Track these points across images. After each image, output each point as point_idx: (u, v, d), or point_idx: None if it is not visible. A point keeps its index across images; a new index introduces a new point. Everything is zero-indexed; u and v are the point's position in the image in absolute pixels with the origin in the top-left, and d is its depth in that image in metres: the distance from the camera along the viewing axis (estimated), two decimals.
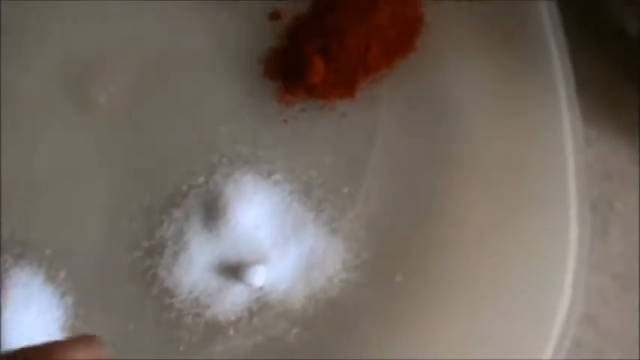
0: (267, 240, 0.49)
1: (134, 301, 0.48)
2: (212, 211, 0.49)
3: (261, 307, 0.48)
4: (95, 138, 0.52)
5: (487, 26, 0.52)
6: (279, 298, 0.48)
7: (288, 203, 0.49)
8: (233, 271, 0.48)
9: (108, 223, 0.50)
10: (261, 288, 0.48)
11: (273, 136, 0.51)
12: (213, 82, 0.53)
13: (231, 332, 0.47)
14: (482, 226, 0.48)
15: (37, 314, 0.48)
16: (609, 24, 0.52)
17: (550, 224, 0.48)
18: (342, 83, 0.51)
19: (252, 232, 0.48)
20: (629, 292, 0.48)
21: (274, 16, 0.54)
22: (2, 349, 0.45)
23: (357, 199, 0.50)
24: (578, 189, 0.49)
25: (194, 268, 0.48)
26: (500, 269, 0.48)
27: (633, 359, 0.47)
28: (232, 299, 0.48)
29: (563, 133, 0.50)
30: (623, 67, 0.52)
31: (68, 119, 0.53)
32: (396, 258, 0.48)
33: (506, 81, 0.51)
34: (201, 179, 0.50)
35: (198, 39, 0.54)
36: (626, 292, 0.48)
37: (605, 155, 0.51)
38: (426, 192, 0.50)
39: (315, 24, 0.52)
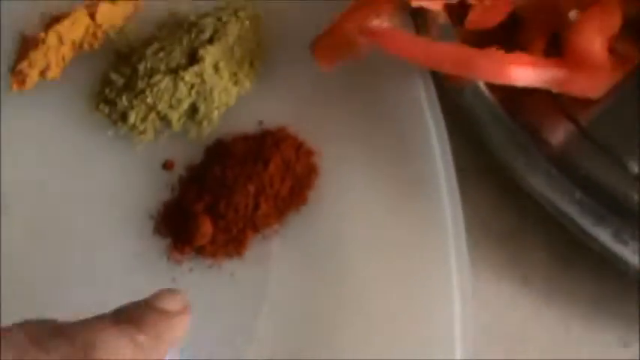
0: None
1: None
2: None
3: None
4: None
5: (382, 176, 0.51)
6: None
7: None
8: None
9: None
10: None
11: None
12: (105, 237, 0.51)
13: None
14: None
15: None
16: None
17: None
18: (231, 242, 0.50)
19: None
20: None
21: (167, 165, 0.53)
22: None
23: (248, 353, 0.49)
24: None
25: None
26: None
27: None
28: None
29: (452, 282, 0.48)
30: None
31: None
32: None
33: (399, 229, 0.50)
34: None
35: (93, 186, 0.53)
36: None
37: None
38: (319, 348, 0.48)
39: (204, 179, 0.51)
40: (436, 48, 0.50)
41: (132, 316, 0.37)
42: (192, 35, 0.54)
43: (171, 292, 0.39)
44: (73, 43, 0.56)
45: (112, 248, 0.51)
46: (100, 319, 0.36)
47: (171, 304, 0.38)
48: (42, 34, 0.55)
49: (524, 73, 0.51)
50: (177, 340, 0.38)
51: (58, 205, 0.53)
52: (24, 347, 0.33)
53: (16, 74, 0.55)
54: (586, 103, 0.52)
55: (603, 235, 0.47)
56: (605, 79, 0.52)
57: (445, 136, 0.50)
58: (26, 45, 0.56)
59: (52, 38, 0.55)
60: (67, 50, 0.56)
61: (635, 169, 0.51)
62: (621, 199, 0.49)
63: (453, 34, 0.53)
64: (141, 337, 0.36)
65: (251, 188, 0.49)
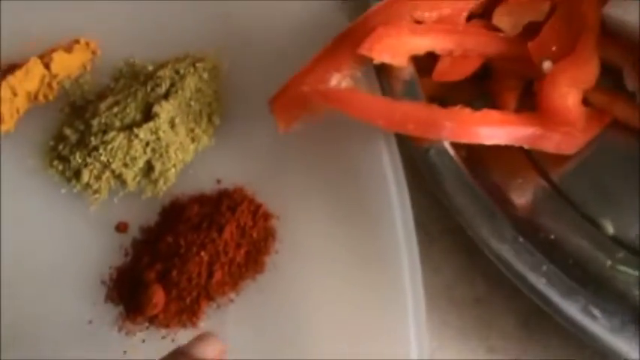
0: None
1: None
2: None
3: None
4: None
5: (341, 242, 0.49)
6: None
7: None
8: None
9: None
10: None
11: None
12: (56, 301, 0.50)
13: None
14: None
15: None
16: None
17: None
18: (185, 312, 0.48)
19: None
20: None
21: (121, 227, 0.51)
22: None
23: None
24: None
25: None
26: None
27: None
28: None
29: (410, 343, 0.47)
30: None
31: None
32: None
33: (358, 298, 0.48)
34: None
35: (45, 247, 0.51)
36: None
37: None
38: None
39: (158, 245, 0.49)
40: (399, 109, 0.47)
41: None
42: (148, 89, 0.52)
43: (206, 337, 0.41)
44: (28, 94, 0.54)
45: (63, 314, 0.49)
46: None
47: (208, 352, 0.40)
48: None
49: (494, 132, 0.49)
50: None
51: (5, 264, 0.51)
52: None
53: None
54: (559, 158, 0.50)
55: (571, 309, 0.45)
56: (580, 135, 0.50)
57: (407, 201, 0.48)
58: None
59: (5, 90, 0.53)
60: (21, 102, 0.54)
61: (610, 229, 0.49)
62: (593, 267, 0.47)
63: (418, 88, 0.51)
64: None
65: (205, 256, 0.47)
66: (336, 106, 0.47)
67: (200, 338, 0.41)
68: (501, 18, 0.53)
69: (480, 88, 0.53)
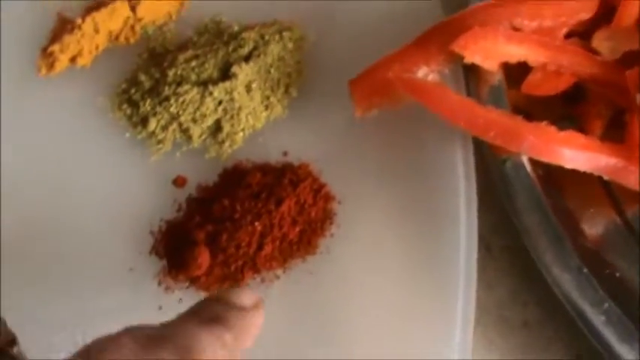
0: None
1: None
2: None
3: None
4: None
5: (400, 237, 0.47)
6: None
7: None
8: None
9: None
10: None
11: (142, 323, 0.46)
12: (99, 246, 0.49)
13: None
14: None
15: None
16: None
17: None
18: (228, 278, 0.46)
19: None
20: None
21: (178, 181, 0.50)
22: None
23: None
24: None
25: None
26: None
27: None
28: None
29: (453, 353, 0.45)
30: None
31: None
32: None
33: (408, 300, 0.46)
34: (61, 355, 0.46)
35: (99, 187, 0.50)
36: None
37: None
38: None
39: (212, 206, 0.47)
40: (484, 114, 0.46)
41: (215, 315, 0.37)
42: (230, 48, 0.51)
43: (241, 288, 0.41)
44: (110, 33, 0.53)
45: (105, 256, 0.49)
46: (187, 320, 0.37)
47: (245, 299, 0.39)
48: (79, 20, 0.53)
49: (576, 155, 0.46)
50: (254, 337, 0.38)
51: (59, 200, 0.50)
52: (136, 353, 0.35)
53: (47, 56, 0.53)
54: (637, 195, 0.48)
55: (628, 355, 0.43)
56: None
57: (475, 208, 0.46)
58: (62, 27, 0.54)
59: (88, 25, 0.53)
60: (101, 40, 0.53)
61: None
62: None
63: (504, 96, 0.49)
64: (227, 336, 0.37)
65: (258, 226, 0.46)
66: (420, 99, 0.45)
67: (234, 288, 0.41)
68: (601, 41, 0.51)
69: (565, 109, 0.51)
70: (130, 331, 0.36)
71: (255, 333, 0.39)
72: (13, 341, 0.37)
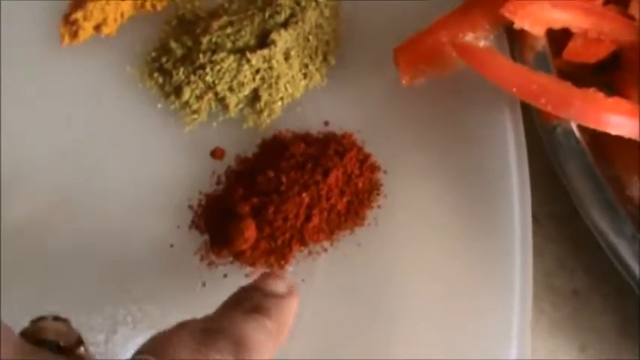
0: None
1: None
2: None
3: None
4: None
5: (450, 207, 0.46)
6: None
7: None
8: None
9: None
10: None
11: (186, 301, 0.45)
12: (136, 222, 0.47)
13: None
14: None
15: None
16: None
17: None
18: (274, 253, 0.45)
19: None
20: None
21: (217, 153, 0.48)
22: None
23: None
24: None
25: None
26: None
27: None
28: None
29: (511, 334, 0.44)
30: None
31: None
32: None
33: (460, 268, 0.45)
34: (101, 337, 0.45)
35: (132, 161, 0.48)
36: None
37: None
38: None
39: (255, 177, 0.46)
40: (536, 79, 0.45)
41: (255, 305, 0.38)
42: (266, 15, 0.49)
43: (271, 274, 0.41)
44: (135, 0, 0.51)
45: (145, 232, 0.47)
46: (232, 311, 0.38)
47: (280, 287, 0.40)
48: None
49: (622, 122, 0.46)
50: (291, 324, 0.39)
51: (90, 177, 0.48)
52: (194, 347, 0.35)
53: (69, 24, 0.51)
54: None
55: None
56: None
57: (527, 175, 0.45)
58: None
59: None
60: (127, 6, 0.51)
61: None
62: None
63: (549, 62, 0.48)
64: (269, 324, 0.37)
65: (306, 197, 0.45)
66: (472, 64, 0.44)
67: (267, 275, 0.41)
68: (639, 8, 0.50)
69: (602, 78, 0.51)
70: (184, 327, 0.37)
71: (292, 320, 0.39)
72: (79, 341, 0.36)
